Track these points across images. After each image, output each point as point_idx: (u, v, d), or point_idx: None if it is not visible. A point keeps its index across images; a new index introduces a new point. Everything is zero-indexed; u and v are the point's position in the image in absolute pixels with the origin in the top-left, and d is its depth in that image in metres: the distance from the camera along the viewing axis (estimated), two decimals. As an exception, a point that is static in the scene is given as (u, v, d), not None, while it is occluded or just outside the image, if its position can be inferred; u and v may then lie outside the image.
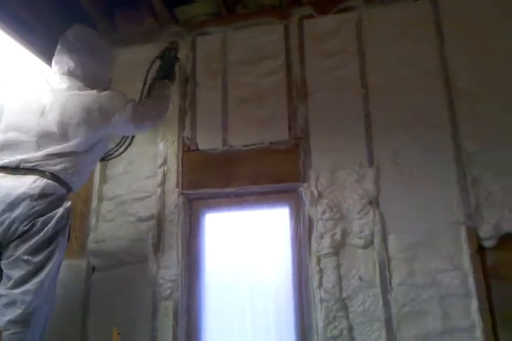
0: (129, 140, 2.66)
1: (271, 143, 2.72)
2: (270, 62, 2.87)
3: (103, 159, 2.59)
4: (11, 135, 1.99)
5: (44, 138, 1.97)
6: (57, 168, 1.93)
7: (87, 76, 2.17)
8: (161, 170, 2.84)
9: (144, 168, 2.88)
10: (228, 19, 3.06)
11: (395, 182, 2.46)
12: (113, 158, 2.68)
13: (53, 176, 1.92)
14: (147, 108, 2.35)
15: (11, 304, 1.75)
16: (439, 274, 2.29)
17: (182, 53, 3.06)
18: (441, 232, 2.34)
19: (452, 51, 2.58)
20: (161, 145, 2.89)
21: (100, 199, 2.88)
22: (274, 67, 2.85)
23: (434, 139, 2.47)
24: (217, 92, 2.92)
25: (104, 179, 2.93)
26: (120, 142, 2.64)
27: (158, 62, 2.76)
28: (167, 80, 2.58)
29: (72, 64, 2.15)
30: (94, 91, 2.14)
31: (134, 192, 2.85)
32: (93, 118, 2.06)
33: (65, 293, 2.58)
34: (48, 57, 2.60)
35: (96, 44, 2.30)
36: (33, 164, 1.90)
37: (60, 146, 1.96)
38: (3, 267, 1.84)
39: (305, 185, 2.58)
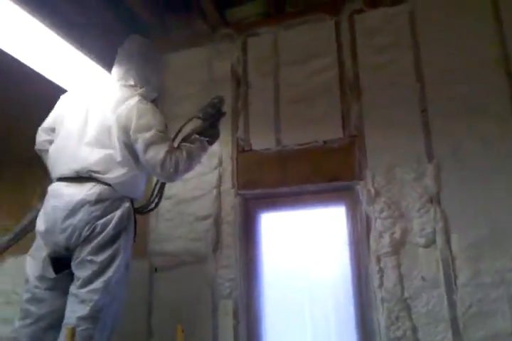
0: (159, 192, 2.33)
1: (324, 142, 2.69)
2: (321, 60, 2.84)
3: (139, 212, 2.25)
4: (65, 144, 2.06)
5: (94, 146, 2.02)
6: (110, 176, 1.98)
7: (141, 83, 2.22)
8: (216, 171, 2.89)
9: (200, 166, 2.91)
10: (277, 19, 3.06)
11: (457, 177, 2.38)
12: (147, 212, 2.36)
13: (107, 183, 1.98)
14: (182, 157, 2.07)
15: (81, 302, 1.85)
16: (508, 273, 2.19)
17: (233, 55, 3.09)
18: (508, 229, 2.24)
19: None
20: (216, 146, 2.92)
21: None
22: (326, 64, 2.82)
23: (496, 131, 2.36)
24: (269, 92, 2.92)
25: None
26: (152, 195, 2.31)
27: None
28: (207, 139, 2.21)
29: (127, 72, 2.21)
30: (147, 106, 2.12)
31: (190, 190, 2.90)
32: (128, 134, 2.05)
33: (129, 293, 2.66)
34: (105, 62, 2.71)
35: (149, 53, 2.34)
36: (89, 173, 1.98)
37: (109, 154, 2.00)
38: (73, 269, 1.94)
39: (361, 183, 2.54)
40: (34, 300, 1.95)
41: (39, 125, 2.27)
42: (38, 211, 2.10)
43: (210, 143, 2.25)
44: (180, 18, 3.34)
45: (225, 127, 2.94)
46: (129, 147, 2.03)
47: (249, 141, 2.89)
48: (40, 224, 2.01)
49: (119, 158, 2.00)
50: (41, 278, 1.97)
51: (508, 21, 2.49)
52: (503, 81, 2.43)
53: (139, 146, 2.01)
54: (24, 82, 3.47)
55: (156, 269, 2.84)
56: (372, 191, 2.48)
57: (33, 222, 2.17)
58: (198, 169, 2.89)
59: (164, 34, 3.36)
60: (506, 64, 2.44)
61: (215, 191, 2.84)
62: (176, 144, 2.15)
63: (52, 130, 2.19)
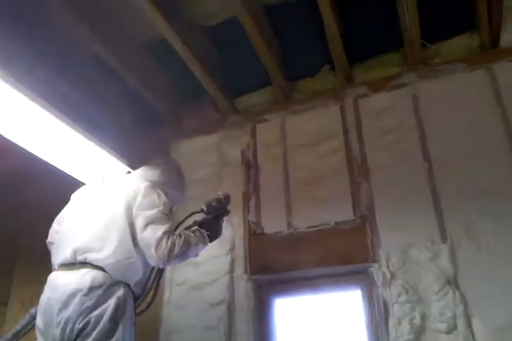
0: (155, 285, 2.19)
1: (336, 223, 2.68)
2: (329, 143, 2.92)
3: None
4: (68, 232, 2.05)
5: (94, 228, 1.99)
6: (102, 255, 1.90)
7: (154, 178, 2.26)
8: (229, 255, 2.86)
9: (211, 249, 2.87)
10: (285, 105, 3.20)
11: (473, 258, 2.31)
12: (141, 313, 2.17)
13: (102, 268, 1.90)
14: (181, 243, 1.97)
15: None
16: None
17: (243, 141, 3.20)
18: (532, 311, 2.13)
19: (516, 118, 2.51)
20: (228, 230, 2.93)
21: (171, 285, 2.91)
22: (333, 147, 2.90)
23: (507, 210, 2.33)
24: (279, 175, 2.98)
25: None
26: (146, 285, 2.12)
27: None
28: (208, 233, 2.12)
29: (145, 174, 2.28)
30: (154, 189, 2.12)
31: (202, 274, 2.85)
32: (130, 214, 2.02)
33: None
34: (119, 152, 2.81)
35: (175, 175, 2.39)
36: (83, 254, 1.91)
37: (105, 233, 1.96)
38: None
39: (375, 265, 2.48)
40: None
41: (54, 217, 2.27)
42: (32, 316, 2.03)
43: (211, 239, 2.15)
44: (192, 107, 3.52)
45: (236, 210, 2.97)
46: (130, 225, 1.98)
47: (260, 224, 2.89)
48: (38, 319, 1.92)
49: (115, 237, 1.94)
50: None
51: (509, 102, 2.56)
52: (510, 159, 2.44)
53: (138, 223, 1.96)
54: (43, 176, 3.61)
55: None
56: (388, 273, 2.41)
57: (25, 328, 2.10)
58: (209, 253, 2.88)
59: (177, 122, 3.53)
60: (511, 142, 2.47)
61: (227, 276, 2.79)
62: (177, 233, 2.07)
63: (63, 218, 2.19)
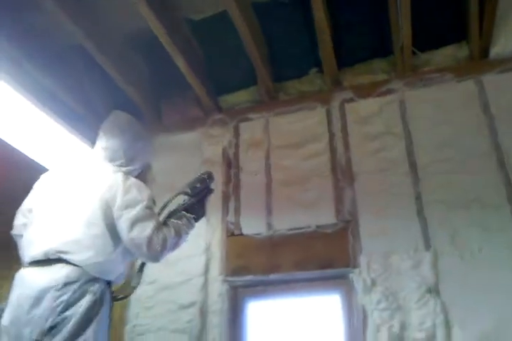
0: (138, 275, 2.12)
1: (317, 227, 2.63)
2: (313, 145, 2.88)
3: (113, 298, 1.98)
4: (39, 226, 1.90)
5: (69, 226, 1.86)
6: (81, 257, 1.78)
7: (126, 161, 2.11)
8: (203, 256, 2.76)
9: (186, 248, 2.77)
10: (270, 106, 3.14)
11: (456, 267, 2.29)
12: (122, 298, 2.10)
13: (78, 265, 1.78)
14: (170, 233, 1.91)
15: None
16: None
17: (225, 139, 3.13)
18: (512, 322, 2.11)
19: (503, 129, 2.52)
20: (203, 229, 2.84)
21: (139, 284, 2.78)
22: (318, 149, 2.85)
23: (494, 220, 2.33)
24: (260, 176, 2.91)
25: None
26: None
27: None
28: (193, 216, 2.06)
29: (113, 149, 2.15)
30: (131, 182, 1.99)
31: (175, 275, 2.75)
32: (108, 206, 1.90)
33: None
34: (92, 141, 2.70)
35: (137, 130, 2.28)
36: (57, 254, 1.78)
37: (82, 233, 1.83)
38: None
39: (356, 271, 2.44)
40: None
41: (17, 206, 2.10)
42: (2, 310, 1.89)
43: (196, 220, 2.08)
44: (174, 103, 3.43)
45: (214, 210, 2.89)
46: (109, 227, 1.86)
47: (239, 225, 2.81)
48: (5, 317, 1.77)
49: (94, 239, 1.83)
50: None
51: (497, 113, 2.57)
52: (496, 170, 2.45)
53: (123, 224, 1.84)
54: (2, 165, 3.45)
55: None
56: (368, 280, 2.37)
57: None
58: (184, 252, 2.78)
59: (158, 118, 3.43)
60: (498, 154, 2.48)
61: (201, 277, 2.70)
62: (161, 220, 1.98)
63: (30, 211, 2.02)
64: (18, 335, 1.72)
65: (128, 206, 1.88)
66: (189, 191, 2.09)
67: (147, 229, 1.83)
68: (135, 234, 1.83)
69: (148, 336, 2.64)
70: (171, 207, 2.09)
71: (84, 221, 1.86)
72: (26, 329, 1.70)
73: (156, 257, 1.87)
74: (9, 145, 2.77)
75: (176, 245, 1.93)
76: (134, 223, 1.84)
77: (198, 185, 2.12)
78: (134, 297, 2.74)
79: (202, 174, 2.18)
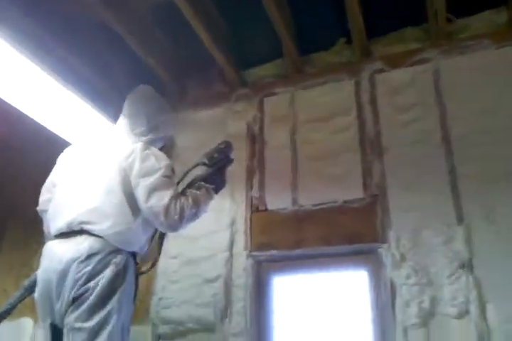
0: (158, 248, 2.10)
1: (344, 202, 2.55)
2: (341, 119, 2.78)
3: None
4: (62, 199, 1.90)
5: (90, 196, 1.84)
6: (102, 226, 1.77)
7: (148, 130, 2.06)
8: (228, 231, 2.73)
9: (210, 224, 2.76)
10: (295, 79, 3.05)
11: (491, 242, 2.19)
12: (143, 273, 2.07)
13: (100, 236, 1.76)
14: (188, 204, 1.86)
15: None
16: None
17: (249, 115, 3.06)
18: (550, 300, 2.01)
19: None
20: (229, 205, 2.80)
21: (164, 257, 2.77)
22: (346, 123, 2.76)
23: (533, 193, 2.21)
24: (286, 151, 2.84)
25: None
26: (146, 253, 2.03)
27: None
28: (212, 187, 2.00)
29: (136, 120, 2.11)
30: (150, 150, 1.95)
31: (199, 249, 2.73)
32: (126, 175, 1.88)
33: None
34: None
35: (161, 104, 2.25)
36: (79, 225, 1.78)
37: (102, 203, 1.81)
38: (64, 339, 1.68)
39: (385, 246, 2.36)
40: None
41: (43, 183, 2.11)
42: (25, 288, 1.91)
43: (216, 191, 2.03)
44: (198, 78, 3.38)
45: (239, 186, 2.85)
46: (127, 195, 1.83)
47: (264, 201, 2.76)
48: (37, 291, 1.80)
49: (113, 207, 1.81)
50: None
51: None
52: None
53: (140, 192, 1.81)
54: (28, 141, 3.48)
55: (159, 337, 2.59)
56: (397, 255, 2.30)
57: (18, 301, 1.96)
58: (208, 227, 2.76)
59: (182, 93, 3.38)
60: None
61: (226, 252, 2.67)
62: (179, 191, 1.94)
63: (54, 185, 2.02)
64: (51, 309, 1.74)
65: (146, 174, 1.84)
66: (207, 161, 2.04)
67: (165, 197, 1.79)
68: (153, 203, 1.79)
69: (174, 309, 2.64)
70: (189, 178, 2.04)
71: (103, 189, 1.85)
72: (57, 305, 1.72)
73: (174, 227, 1.83)
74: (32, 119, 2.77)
75: (194, 215, 1.88)
76: (151, 191, 1.80)
77: (216, 155, 2.06)
78: (159, 270, 2.76)
79: (220, 144, 2.12)
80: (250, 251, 2.64)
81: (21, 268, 3.11)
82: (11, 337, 2.94)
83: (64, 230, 1.80)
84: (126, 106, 2.16)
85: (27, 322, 2.90)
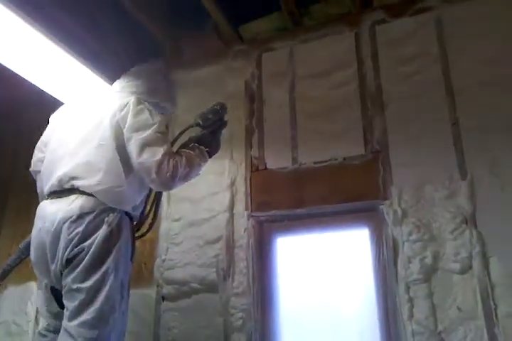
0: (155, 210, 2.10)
1: (344, 159, 2.50)
2: (341, 73, 2.68)
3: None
4: (54, 157, 1.87)
5: (79, 152, 1.80)
6: (91, 181, 1.73)
7: (142, 87, 2.03)
8: (228, 192, 2.70)
9: (211, 185, 2.74)
10: (294, 33, 2.93)
11: (495, 196, 2.14)
12: (140, 237, 2.07)
13: (92, 194, 1.73)
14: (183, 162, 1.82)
15: (69, 337, 1.58)
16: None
17: (247, 71, 2.96)
18: (554, 254, 1.98)
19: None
20: (228, 165, 2.76)
21: (167, 220, 2.78)
22: (346, 77, 2.66)
23: (538, 145, 2.14)
24: (285, 108, 2.76)
25: (168, 197, 2.82)
26: (143, 213, 2.03)
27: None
28: (206, 150, 1.97)
29: (129, 78, 2.05)
30: (144, 105, 1.90)
31: (201, 211, 2.72)
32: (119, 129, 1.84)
33: (134, 324, 2.45)
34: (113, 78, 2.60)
35: (160, 69, 2.18)
36: (70, 181, 1.74)
37: (93, 157, 1.77)
38: (63, 299, 1.70)
39: (386, 202, 2.32)
40: (40, 335, 1.78)
41: None
42: (21, 250, 1.93)
43: (210, 154, 1.99)
44: (193, 35, 3.25)
45: (238, 145, 2.80)
46: (119, 149, 1.79)
47: (263, 160, 2.71)
48: (32, 253, 1.80)
49: (104, 162, 1.77)
50: (48, 311, 1.78)
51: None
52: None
53: (132, 146, 1.77)
54: (27, 104, 3.42)
55: (163, 298, 2.62)
56: (399, 211, 2.26)
57: (15, 263, 2.01)
58: (208, 189, 2.74)
59: (177, 52, 3.27)
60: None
61: (227, 213, 2.65)
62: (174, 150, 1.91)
63: (46, 145, 1.98)
64: (47, 270, 1.74)
65: (139, 128, 1.79)
66: (201, 122, 2.00)
67: (157, 153, 1.74)
68: (144, 158, 1.74)
69: (177, 270, 2.65)
70: (184, 139, 1.99)
71: (95, 143, 1.80)
72: (52, 266, 1.71)
73: (166, 184, 1.79)
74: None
75: (187, 175, 1.84)
76: (143, 146, 1.76)
77: (211, 116, 2.01)
78: (162, 233, 2.77)
79: (214, 105, 2.06)
80: (251, 212, 2.61)
81: (26, 234, 3.12)
82: (19, 300, 3.00)
83: (56, 188, 1.78)
84: (128, 72, 2.12)
85: (33, 286, 2.95)
